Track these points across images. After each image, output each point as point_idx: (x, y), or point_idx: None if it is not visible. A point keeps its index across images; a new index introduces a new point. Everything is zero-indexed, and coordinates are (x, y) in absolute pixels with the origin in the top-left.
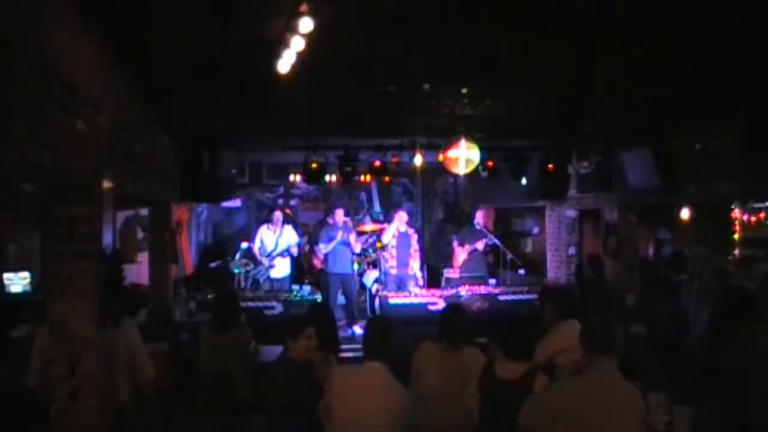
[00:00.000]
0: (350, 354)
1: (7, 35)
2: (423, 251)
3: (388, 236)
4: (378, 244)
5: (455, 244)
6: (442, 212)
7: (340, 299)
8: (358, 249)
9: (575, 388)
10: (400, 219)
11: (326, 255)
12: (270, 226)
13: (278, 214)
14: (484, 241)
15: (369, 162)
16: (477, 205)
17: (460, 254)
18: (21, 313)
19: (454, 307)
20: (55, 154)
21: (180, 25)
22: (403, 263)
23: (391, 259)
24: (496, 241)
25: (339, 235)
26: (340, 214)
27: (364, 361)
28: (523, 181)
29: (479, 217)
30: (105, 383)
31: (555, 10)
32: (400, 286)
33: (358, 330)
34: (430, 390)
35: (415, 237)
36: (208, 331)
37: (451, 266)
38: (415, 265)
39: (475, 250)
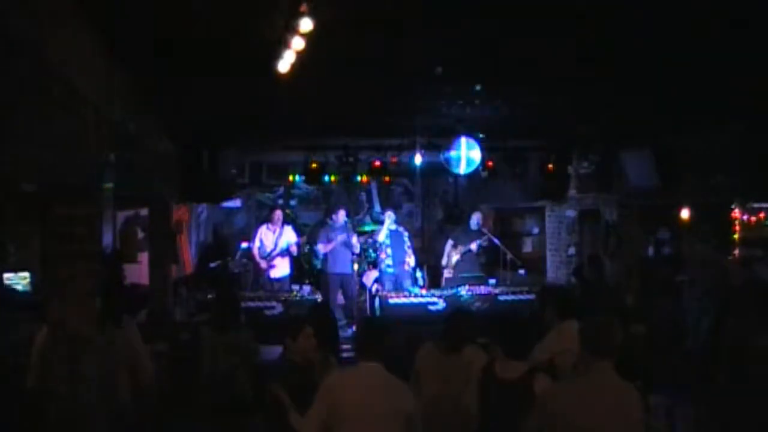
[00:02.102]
0: (351, 354)
1: (7, 35)
2: (423, 251)
3: (383, 236)
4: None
5: (449, 244)
6: (442, 212)
7: (340, 299)
8: (358, 249)
9: (572, 390)
10: (389, 218)
11: (326, 255)
12: (270, 225)
13: (278, 214)
14: (477, 242)
15: (369, 162)
16: (473, 205)
17: (453, 255)
18: (21, 313)
19: (458, 309)
20: (55, 154)
21: (180, 25)
22: (399, 261)
23: (387, 259)
24: (496, 240)
25: (339, 238)
26: (342, 215)
27: (358, 361)
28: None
29: (477, 218)
30: (105, 383)
31: (555, 10)
32: (397, 284)
33: None
34: (430, 391)
35: (406, 234)
36: (208, 331)
37: (446, 266)
38: (410, 262)
39: (469, 251)
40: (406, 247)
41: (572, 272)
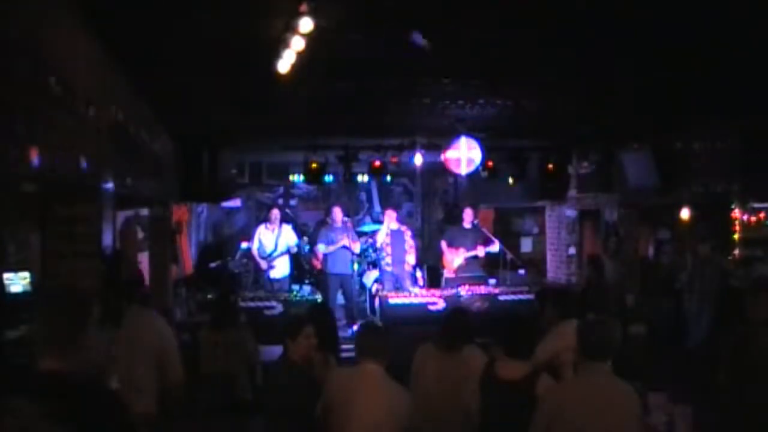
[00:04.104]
0: (350, 354)
1: (7, 35)
2: (423, 251)
3: (381, 237)
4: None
5: (443, 244)
6: (442, 212)
7: (340, 299)
8: (357, 249)
9: (569, 391)
10: (390, 217)
11: (326, 255)
12: (268, 225)
13: (276, 213)
14: (486, 251)
15: (369, 162)
16: (466, 204)
17: (455, 258)
18: (21, 313)
19: (456, 309)
20: (55, 154)
21: (180, 25)
22: (398, 260)
23: (387, 257)
24: (495, 241)
25: (340, 242)
26: (338, 213)
27: (359, 362)
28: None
29: (469, 216)
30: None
31: (555, 10)
32: (397, 283)
33: None
34: (428, 390)
35: (409, 233)
36: (208, 331)
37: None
38: (410, 260)
39: (476, 257)
40: (407, 246)
41: (572, 272)
